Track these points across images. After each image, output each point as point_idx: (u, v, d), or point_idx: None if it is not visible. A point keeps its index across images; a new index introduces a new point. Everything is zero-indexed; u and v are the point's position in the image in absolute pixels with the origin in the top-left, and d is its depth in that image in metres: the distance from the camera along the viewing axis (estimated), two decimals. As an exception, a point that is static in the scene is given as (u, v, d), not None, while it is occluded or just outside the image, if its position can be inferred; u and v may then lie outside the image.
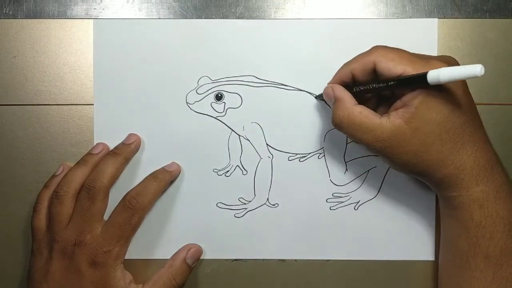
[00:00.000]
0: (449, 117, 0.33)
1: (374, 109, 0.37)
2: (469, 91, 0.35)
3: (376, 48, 0.36)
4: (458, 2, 0.42)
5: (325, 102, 0.41)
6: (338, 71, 0.38)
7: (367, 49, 0.36)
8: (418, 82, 0.32)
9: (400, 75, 0.34)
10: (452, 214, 0.36)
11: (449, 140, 0.34)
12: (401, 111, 0.34)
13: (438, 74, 0.30)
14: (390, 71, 0.34)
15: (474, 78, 0.29)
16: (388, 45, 0.36)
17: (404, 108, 0.34)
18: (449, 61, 0.35)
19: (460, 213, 0.35)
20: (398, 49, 0.35)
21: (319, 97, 0.41)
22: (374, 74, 0.35)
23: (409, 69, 0.33)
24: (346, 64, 0.38)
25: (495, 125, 0.42)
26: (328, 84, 0.39)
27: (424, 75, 0.31)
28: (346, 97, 0.36)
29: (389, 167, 0.42)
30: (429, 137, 0.34)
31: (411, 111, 0.33)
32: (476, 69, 0.29)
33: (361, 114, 0.35)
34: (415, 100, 0.33)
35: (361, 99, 0.37)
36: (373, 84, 0.35)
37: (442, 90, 0.33)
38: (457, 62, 0.36)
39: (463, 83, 0.34)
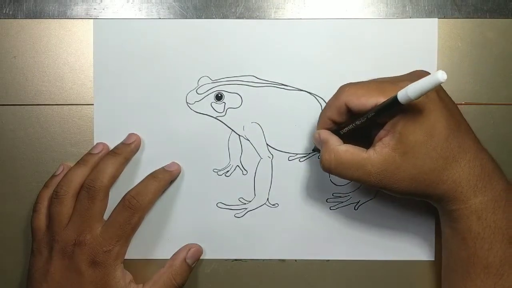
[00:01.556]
0: (432, 135, 0.33)
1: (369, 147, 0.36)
2: (450, 101, 0.35)
3: (343, 88, 0.36)
4: (458, 2, 0.42)
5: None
6: (318, 121, 0.38)
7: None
8: (393, 106, 0.32)
9: (374, 107, 0.33)
10: (452, 225, 0.36)
11: (438, 157, 0.33)
12: (386, 139, 0.34)
13: (406, 92, 0.30)
14: (364, 106, 0.34)
15: (440, 83, 0.29)
16: (354, 82, 0.36)
17: (388, 136, 0.34)
18: (420, 76, 0.34)
19: (459, 225, 0.35)
20: (366, 82, 0.35)
21: (315, 150, 0.41)
22: (351, 113, 0.35)
23: (381, 99, 0.33)
24: (322, 113, 0.38)
25: (495, 125, 0.42)
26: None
27: (395, 98, 0.31)
28: (330, 139, 0.36)
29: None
30: (418, 159, 0.33)
31: (395, 137, 0.33)
32: (438, 76, 0.28)
33: (347, 152, 0.35)
34: (397, 125, 0.33)
35: (353, 140, 0.36)
36: (355, 122, 0.35)
37: (419, 109, 0.33)
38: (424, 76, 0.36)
39: (439, 96, 0.34)
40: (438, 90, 0.34)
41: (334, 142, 0.36)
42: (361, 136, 0.37)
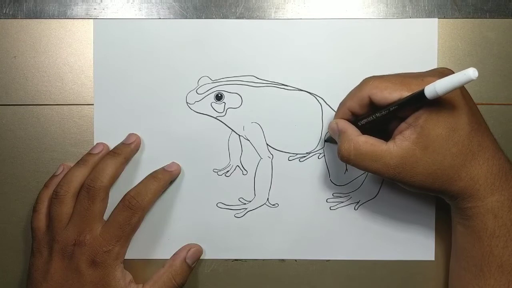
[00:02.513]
0: (455, 130, 0.33)
1: (385, 139, 0.36)
2: (471, 100, 0.35)
3: (367, 80, 0.36)
4: (458, 2, 0.42)
5: (333, 143, 0.41)
6: (337, 110, 0.38)
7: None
8: (418, 100, 0.32)
9: (398, 100, 0.33)
10: (465, 223, 0.36)
11: (459, 153, 0.33)
12: (407, 133, 0.34)
13: (434, 88, 0.30)
14: (387, 100, 0.34)
15: (470, 82, 0.29)
16: (378, 75, 0.36)
17: (409, 129, 0.33)
18: (445, 73, 0.34)
19: (474, 223, 0.35)
20: (390, 76, 0.35)
21: (328, 140, 0.41)
22: (372, 105, 0.35)
23: (405, 93, 0.33)
24: (342, 102, 0.38)
25: (495, 125, 0.42)
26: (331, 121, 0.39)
27: (421, 92, 0.31)
28: (349, 129, 0.36)
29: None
30: (439, 154, 0.33)
31: (417, 131, 0.33)
32: (469, 73, 0.29)
33: (367, 143, 0.35)
34: (419, 119, 0.33)
35: (370, 131, 0.36)
36: (376, 114, 0.35)
37: (443, 104, 0.33)
38: (453, 72, 0.35)
39: (462, 93, 0.34)
40: (461, 87, 0.34)
41: (354, 132, 0.36)
42: (377, 129, 0.37)
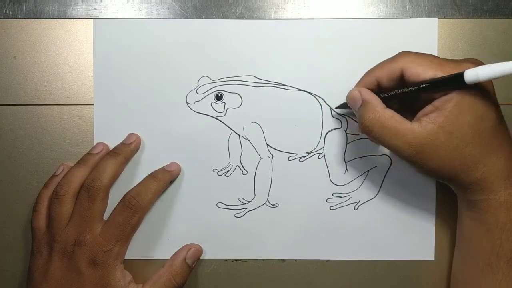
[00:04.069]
0: (483, 119, 0.33)
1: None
2: (495, 95, 0.35)
3: (403, 54, 0.35)
4: (458, 2, 0.42)
5: (343, 114, 0.41)
6: (362, 78, 0.37)
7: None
8: (454, 83, 0.32)
9: (430, 79, 0.33)
10: (474, 216, 0.36)
11: (482, 142, 0.33)
12: (433, 115, 0.33)
13: (476, 73, 0.30)
14: (420, 76, 0.33)
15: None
16: (415, 51, 0.35)
17: (436, 112, 0.33)
18: (479, 63, 0.34)
19: (484, 216, 0.35)
20: (426, 54, 0.35)
21: (340, 107, 0.41)
22: (401, 80, 0.35)
23: (439, 74, 0.33)
24: (370, 71, 0.37)
25: (495, 125, 0.42)
26: (349, 92, 0.38)
27: (461, 75, 0.31)
28: (375, 100, 0.35)
29: (389, 167, 0.42)
30: (462, 141, 0.33)
31: (444, 115, 0.33)
32: None
33: (392, 118, 0.34)
34: (449, 103, 0.33)
35: (388, 107, 0.36)
36: (403, 89, 0.34)
37: (475, 92, 0.33)
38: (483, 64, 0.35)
39: (492, 84, 0.34)
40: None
41: (379, 104, 0.35)
42: (399, 105, 0.36)
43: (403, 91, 0.34)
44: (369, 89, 0.37)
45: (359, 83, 0.38)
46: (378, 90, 0.37)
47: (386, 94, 0.36)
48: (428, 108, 0.34)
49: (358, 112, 0.36)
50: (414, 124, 0.34)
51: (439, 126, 0.33)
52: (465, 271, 0.37)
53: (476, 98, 0.33)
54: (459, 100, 0.33)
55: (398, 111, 0.36)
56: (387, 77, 0.35)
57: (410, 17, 0.42)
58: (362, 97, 0.36)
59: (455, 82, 0.32)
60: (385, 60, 0.36)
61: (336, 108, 0.41)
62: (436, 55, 0.41)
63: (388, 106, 0.36)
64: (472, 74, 0.30)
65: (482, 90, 0.33)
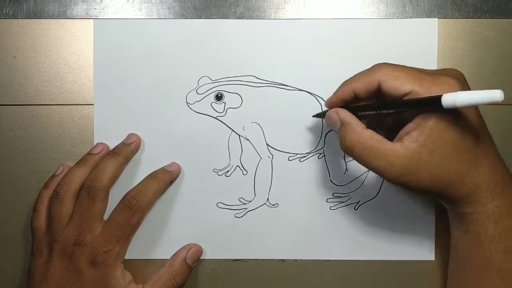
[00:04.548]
0: (464, 137, 0.33)
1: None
2: (478, 107, 0.35)
3: (380, 66, 0.35)
4: (458, 2, 0.42)
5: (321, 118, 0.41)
6: (339, 88, 0.36)
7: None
8: (431, 105, 0.31)
9: (407, 93, 0.32)
10: (464, 229, 0.35)
11: (465, 159, 0.33)
12: (414, 134, 0.32)
13: (454, 99, 0.29)
14: (397, 90, 0.33)
15: (492, 104, 0.28)
16: (392, 63, 0.35)
17: (417, 130, 0.32)
18: (458, 77, 0.34)
19: (473, 228, 0.34)
20: (403, 66, 0.34)
21: (318, 115, 0.41)
22: (378, 92, 0.34)
23: (416, 88, 0.32)
24: (347, 82, 0.36)
25: (495, 125, 0.42)
26: (326, 101, 0.37)
27: (438, 99, 0.30)
28: (353, 120, 0.35)
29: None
30: (445, 159, 0.32)
31: (426, 133, 0.32)
32: (496, 95, 0.27)
33: (373, 138, 0.34)
34: (428, 121, 0.32)
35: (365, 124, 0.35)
36: (381, 110, 0.33)
37: (455, 109, 0.32)
38: (464, 78, 0.35)
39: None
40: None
41: (359, 125, 0.34)
42: (374, 124, 0.36)
43: (381, 112, 0.34)
44: (345, 100, 0.36)
45: (335, 94, 0.37)
46: (355, 101, 0.36)
47: (363, 113, 0.35)
48: (410, 126, 0.33)
49: (339, 132, 0.36)
50: (396, 144, 0.33)
51: (421, 145, 0.32)
52: (459, 281, 0.37)
53: (456, 118, 0.32)
54: (439, 118, 0.32)
55: (376, 126, 0.35)
56: (364, 89, 0.35)
57: (410, 17, 0.42)
58: (341, 118, 0.35)
59: (432, 105, 0.31)
60: (362, 72, 0.35)
61: (313, 116, 0.41)
62: (436, 55, 0.41)
63: (368, 123, 0.35)
64: (450, 100, 0.29)
65: (462, 109, 0.32)
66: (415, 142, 0.32)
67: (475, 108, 0.33)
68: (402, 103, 0.32)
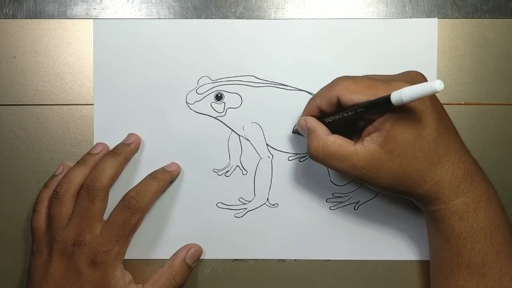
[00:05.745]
0: (421, 135, 0.33)
1: (351, 137, 0.36)
2: (438, 103, 0.35)
3: (338, 80, 0.36)
4: (458, 2, 0.42)
5: (301, 136, 0.41)
6: (306, 106, 0.38)
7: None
8: (384, 105, 0.32)
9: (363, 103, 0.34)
10: (435, 226, 0.36)
11: (425, 157, 0.34)
12: (374, 135, 0.34)
13: (400, 95, 0.30)
14: (354, 102, 0.34)
15: (436, 93, 0.29)
16: (351, 75, 0.36)
17: (376, 132, 0.34)
18: (414, 78, 0.35)
19: (442, 225, 0.35)
20: (361, 78, 0.35)
21: (295, 132, 0.41)
22: (339, 105, 0.35)
23: (372, 98, 0.33)
24: (312, 99, 0.38)
25: (495, 125, 0.42)
26: (300, 117, 0.39)
27: (387, 98, 0.31)
28: (319, 127, 0.36)
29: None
30: (405, 158, 0.34)
31: (384, 135, 0.33)
32: (435, 85, 0.29)
33: (335, 143, 0.35)
34: (386, 123, 0.33)
35: (336, 129, 0.37)
36: (343, 113, 0.35)
37: (410, 109, 0.33)
38: (424, 78, 0.36)
39: (429, 99, 0.34)
40: None
41: (323, 132, 0.36)
42: (346, 126, 0.37)
43: (343, 116, 0.35)
44: (314, 115, 0.38)
45: (303, 112, 0.39)
46: (323, 116, 0.37)
47: (329, 119, 0.36)
48: (370, 128, 0.34)
49: (307, 140, 0.37)
50: (357, 146, 0.34)
51: (380, 146, 0.34)
52: (436, 278, 0.38)
53: (411, 116, 0.33)
54: (395, 119, 0.33)
55: (351, 129, 0.37)
56: (326, 104, 0.36)
57: (410, 17, 0.42)
58: (307, 126, 0.37)
59: (385, 105, 0.32)
60: (323, 88, 0.37)
61: (292, 133, 0.41)
62: (436, 55, 0.41)
63: (335, 128, 0.36)
64: (397, 97, 0.30)
65: (416, 108, 0.33)
66: (374, 143, 0.34)
67: (431, 106, 0.34)
68: (358, 106, 0.34)
